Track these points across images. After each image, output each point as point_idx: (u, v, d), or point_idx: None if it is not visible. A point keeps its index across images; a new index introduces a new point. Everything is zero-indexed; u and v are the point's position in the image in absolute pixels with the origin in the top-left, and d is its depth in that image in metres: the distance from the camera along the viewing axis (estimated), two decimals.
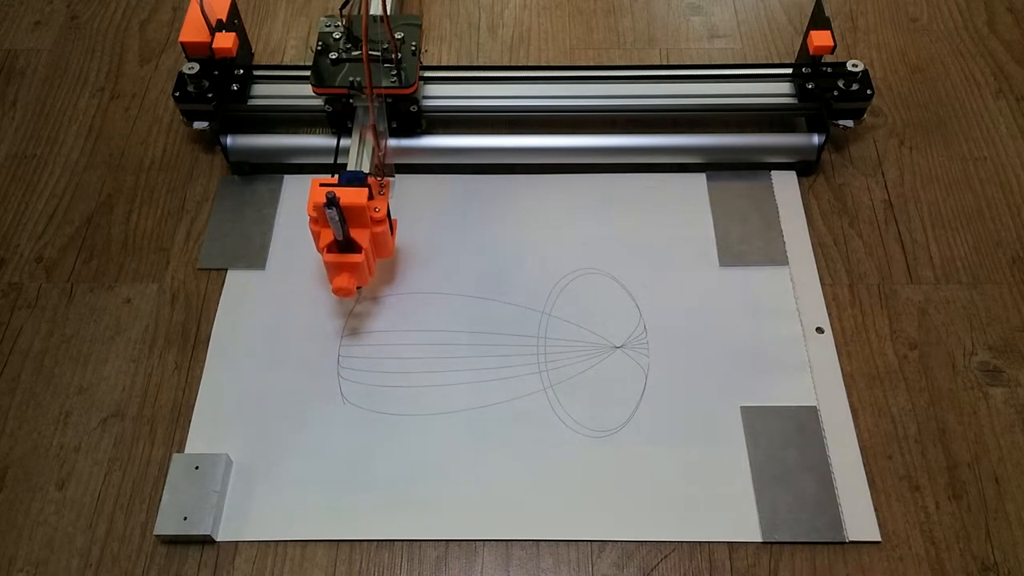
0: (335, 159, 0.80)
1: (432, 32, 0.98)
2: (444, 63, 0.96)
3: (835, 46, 0.81)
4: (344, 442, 0.71)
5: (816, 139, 0.84)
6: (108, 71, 0.95)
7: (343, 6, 0.76)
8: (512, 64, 0.95)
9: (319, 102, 0.82)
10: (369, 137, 0.76)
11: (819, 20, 0.82)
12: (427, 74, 0.85)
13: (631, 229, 0.82)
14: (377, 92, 0.76)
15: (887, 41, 0.97)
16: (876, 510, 0.67)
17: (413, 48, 0.78)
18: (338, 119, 0.81)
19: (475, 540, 0.67)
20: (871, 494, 0.68)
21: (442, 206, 0.84)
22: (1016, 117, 0.91)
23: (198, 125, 0.82)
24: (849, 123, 0.82)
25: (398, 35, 0.78)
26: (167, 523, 0.65)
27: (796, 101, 0.84)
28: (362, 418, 0.72)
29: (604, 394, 0.73)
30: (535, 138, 0.85)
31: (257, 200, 0.85)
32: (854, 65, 0.81)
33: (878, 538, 0.66)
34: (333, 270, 0.71)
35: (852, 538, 0.66)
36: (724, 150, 0.85)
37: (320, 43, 0.79)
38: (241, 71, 0.83)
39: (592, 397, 0.73)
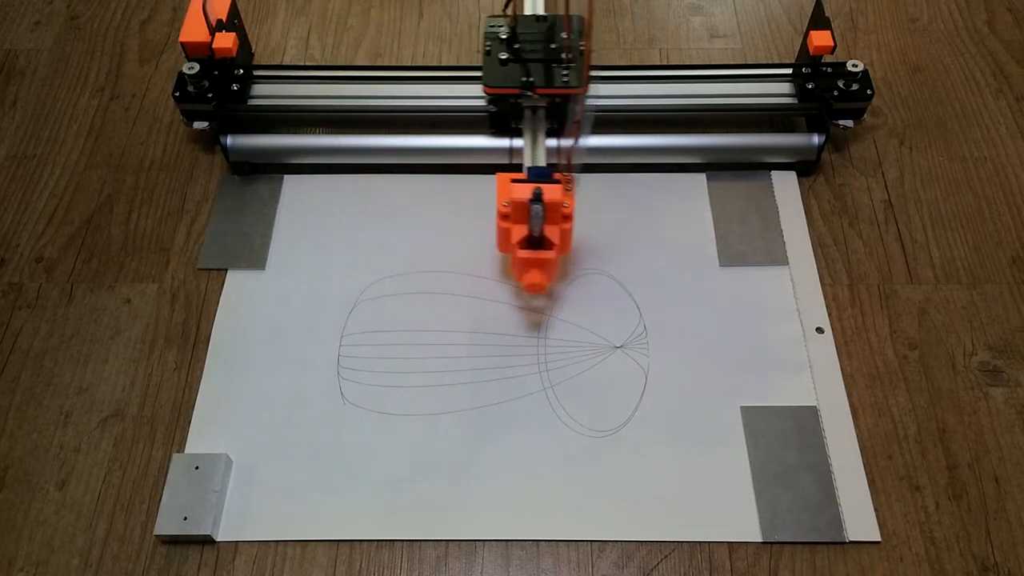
0: (510, 160, 0.81)
1: (432, 32, 0.98)
2: (444, 63, 0.96)
3: (835, 46, 0.81)
4: (344, 442, 0.71)
5: (816, 139, 0.84)
6: (108, 71, 0.95)
7: (506, 6, 0.76)
8: None
9: (320, 102, 0.83)
10: (567, 135, 0.76)
11: (819, 20, 0.82)
12: (422, 74, 0.85)
13: (631, 229, 0.82)
14: (547, 93, 0.76)
15: (887, 41, 0.97)
16: (876, 510, 0.67)
17: (581, 47, 0.78)
18: (501, 120, 0.81)
19: (475, 540, 0.67)
20: (871, 494, 0.68)
21: (441, 206, 0.84)
22: (1016, 117, 0.91)
23: (198, 125, 0.82)
24: (849, 123, 0.82)
25: (565, 35, 0.78)
26: (167, 523, 0.65)
27: (796, 101, 0.84)
28: (362, 418, 0.72)
29: (604, 394, 0.73)
30: None
31: (257, 200, 0.85)
32: (854, 65, 0.81)
33: (878, 538, 0.66)
34: (524, 266, 0.70)
35: (852, 538, 0.66)
36: (724, 150, 0.85)
37: (488, 44, 0.78)
38: (241, 71, 0.83)
39: (592, 397, 0.73)
